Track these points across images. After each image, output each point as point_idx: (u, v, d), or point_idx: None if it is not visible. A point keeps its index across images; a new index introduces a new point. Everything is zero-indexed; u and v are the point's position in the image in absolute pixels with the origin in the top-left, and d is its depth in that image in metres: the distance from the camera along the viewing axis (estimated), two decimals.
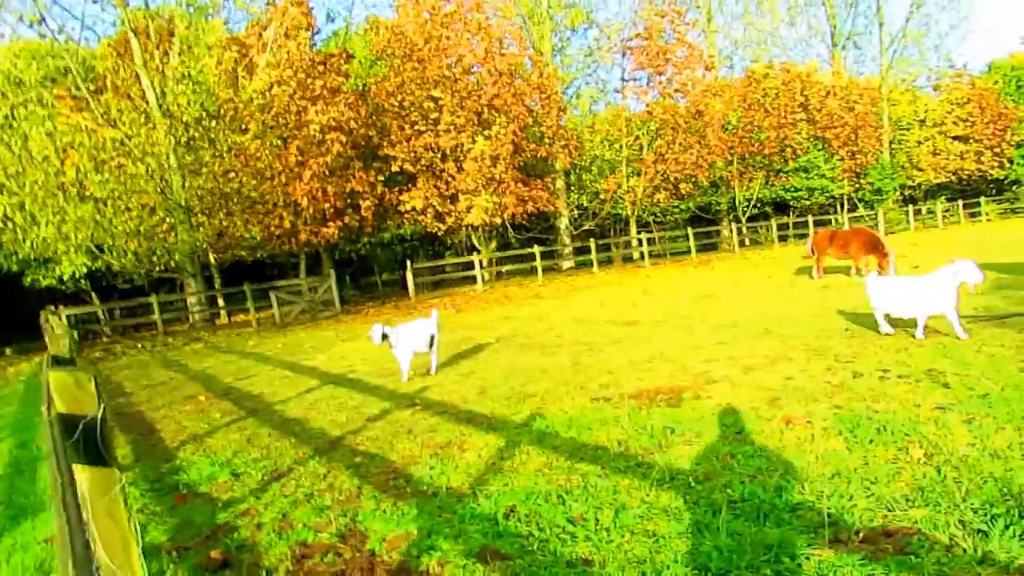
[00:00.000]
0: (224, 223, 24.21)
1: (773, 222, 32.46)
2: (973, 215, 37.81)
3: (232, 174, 23.30)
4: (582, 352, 10.37)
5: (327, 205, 22.91)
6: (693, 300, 15.86)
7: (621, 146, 30.30)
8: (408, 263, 24.54)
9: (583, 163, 30.26)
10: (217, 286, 26.64)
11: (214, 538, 4.61)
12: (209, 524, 4.89)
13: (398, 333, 9.23)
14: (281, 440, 7.06)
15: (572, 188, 30.30)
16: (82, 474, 1.88)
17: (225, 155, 22.75)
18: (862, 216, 34.81)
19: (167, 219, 23.40)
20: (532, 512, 4.31)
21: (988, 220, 37.33)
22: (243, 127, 23.85)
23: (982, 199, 38.22)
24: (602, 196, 30.09)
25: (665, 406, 6.54)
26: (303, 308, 22.22)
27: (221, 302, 25.87)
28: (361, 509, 4.78)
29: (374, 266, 31.25)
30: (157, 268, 24.88)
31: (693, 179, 29.70)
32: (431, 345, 9.66)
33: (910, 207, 35.85)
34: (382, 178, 24.81)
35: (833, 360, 7.72)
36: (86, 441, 1.91)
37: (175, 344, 19.63)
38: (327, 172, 22.49)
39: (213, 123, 23.99)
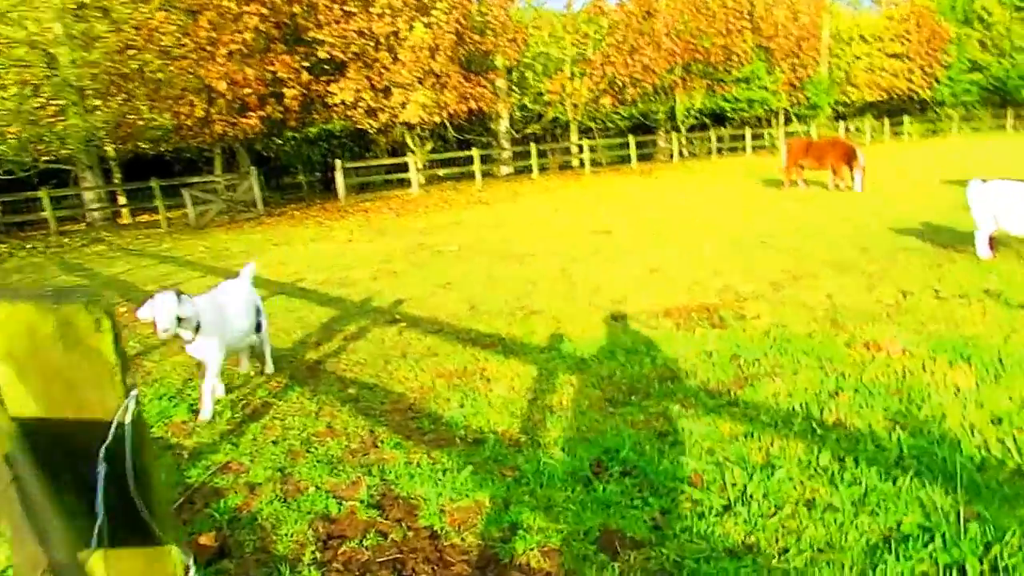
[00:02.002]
0: (124, 108, 21.17)
1: (712, 133, 31.90)
2: (896, 133, 38.65)
3: (132, 51, 20.14)
4: (565, 263, 9.35)
5: (247, 91, 20.25)
6: (656, 209, 15.02)
7: (567, 44, 28.40)
8: (338, 162, 22.38)
9: (527, 60, 28.31)
10: (117, 181, 23.66)
11: (190, 508, 3.40)
12: (178, 485, 3.65)
13: (198, 308, 4.45)
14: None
15: (513, 89, 28.41)
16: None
17: (124, 28, 19.52)
18: (795, 131, 34.79)
19: (55, 100, 20.14)
20: (630, 469, 3.32)
21: (910, 138, 38.26)
22: None
23: (906, 118, 39.02)
24: (546, 98, 28.38)
25: (708, 326, 5.65)
26: (221, 208, 19.97)
27: (123, 199, 23.04)
28: (387, 463, 3.66)
29: (298, 165, 28.58)
30: (44, 158, 21.69)
31: (639, 84, 28.39)
32: (259, 326, 5.26)
33: (841, 124, 36.13)
34: (307, 64, 22.17)
35: (863, 276, 7.03)
36: (107, 489, 0.67)
37: (72, 245, 17.19)
38: (245, 52, 19.75)
39: None
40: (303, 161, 28.95)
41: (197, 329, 4.40)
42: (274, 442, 4.11)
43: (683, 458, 3.37)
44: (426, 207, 20.00)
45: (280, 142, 27.06)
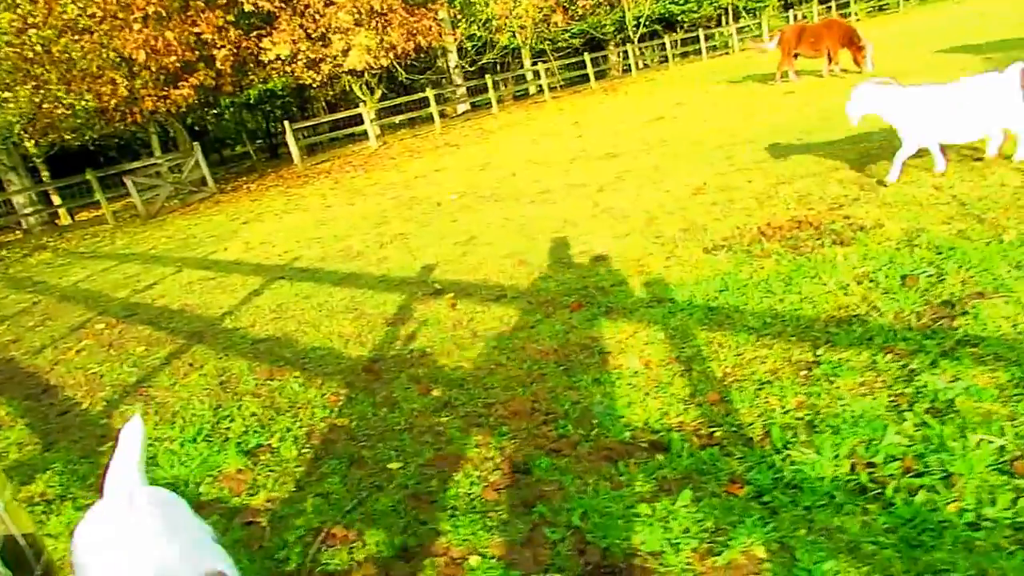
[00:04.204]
0: (37, 97, 18.94)
1: (667, 39, 30.55)
2: (844, 15, 37.71)
3: (33, 30, 17.85)
4: (592, 195, 8.34)
5: (172, 59, 18.25)
6: (648, 125, 13.95)
7: None
8: (287, 124, 20.59)
9: None
10: (46, 179, 21.50)
11: None
12: None
13: None
14: (279, 377, 4.65)
15: (459, 18, 26.46)
16: None
17: (21, 3, 17.19)
18: (747, 26, 33.63)
19: None
20: (915, 463, 2.41)
21: (857, 19, 37.42)
22: None
23: None
24: (495, 23, 26.54)
25: (831, 244, 4.72)
26: (169, 192, 18.23)
27: (57, 199, 20.99)
28: (563, 500, 2.69)
29: (237, 135, 26.49)
30: None
31: None
32: None
33: (791, 12, 35.07)
34: (233, 20, 20.08)
35: (968, 169, 6.14)
36: None
37: (13, 257, 15.43)
38: (164, 14, 17.66)
39: None
40: (243, 129, 26.86)
41: None
42: (377, 485, 3.10)
43: (973, 435, 2.47)
44: (392, 159, 18.59)
45: (216, 111, 24.92)
